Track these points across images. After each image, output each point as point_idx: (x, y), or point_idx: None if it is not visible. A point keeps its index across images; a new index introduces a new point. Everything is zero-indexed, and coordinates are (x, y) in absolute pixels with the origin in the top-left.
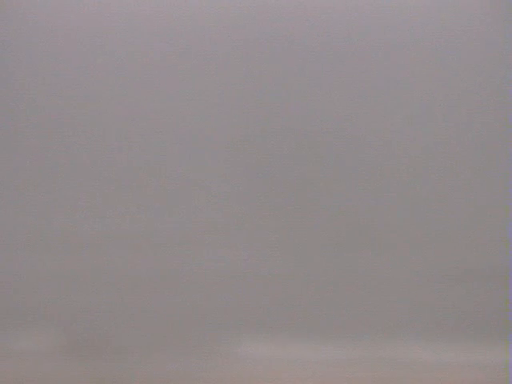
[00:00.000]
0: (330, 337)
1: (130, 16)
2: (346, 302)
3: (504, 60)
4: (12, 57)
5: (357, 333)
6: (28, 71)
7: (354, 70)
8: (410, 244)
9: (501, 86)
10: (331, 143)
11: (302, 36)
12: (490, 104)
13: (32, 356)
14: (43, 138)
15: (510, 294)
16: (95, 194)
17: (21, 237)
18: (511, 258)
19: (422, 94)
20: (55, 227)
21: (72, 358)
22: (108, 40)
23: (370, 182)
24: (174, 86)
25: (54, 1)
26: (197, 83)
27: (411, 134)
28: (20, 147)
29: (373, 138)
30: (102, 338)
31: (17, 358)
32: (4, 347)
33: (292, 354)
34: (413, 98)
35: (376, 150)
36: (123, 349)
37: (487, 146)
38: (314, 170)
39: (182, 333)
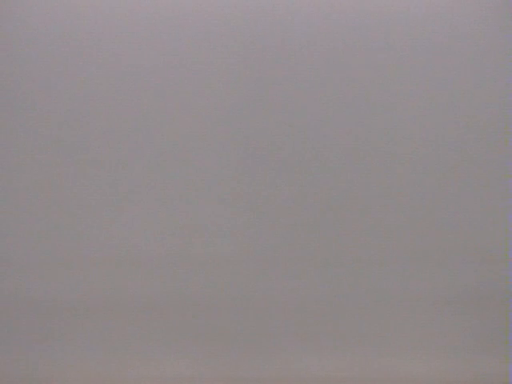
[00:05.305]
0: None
1: (130, 16)
2: (344, 315)
3: (504, 60)
4: (12, 57)
5: (355, 348)
6: (28, 72)
7: (356, 72)
8: (408, 259)
9: (501, 87)
10: (331, 145)
11: (302, 39)
12: (491, 106)
13: None
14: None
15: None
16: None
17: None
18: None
19: (421, 99)
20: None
21: None
22: (107, 41)
23: (371, 187)
24: (173, 87)
25: (54, 1)
26: (196, 85)
27: (411, 138)
28: (21, 148)
29: (372, 142)
30: None
31: None
32: None
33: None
34: (413, 102)
35: (376, 154)
36: None
37: (488, 150)
38: (315, 174)
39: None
